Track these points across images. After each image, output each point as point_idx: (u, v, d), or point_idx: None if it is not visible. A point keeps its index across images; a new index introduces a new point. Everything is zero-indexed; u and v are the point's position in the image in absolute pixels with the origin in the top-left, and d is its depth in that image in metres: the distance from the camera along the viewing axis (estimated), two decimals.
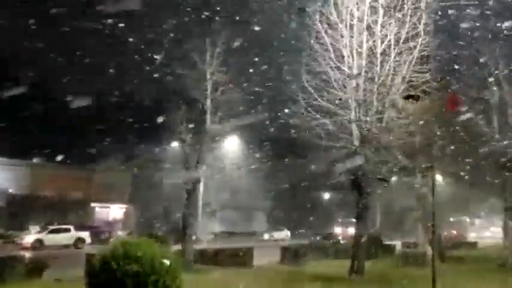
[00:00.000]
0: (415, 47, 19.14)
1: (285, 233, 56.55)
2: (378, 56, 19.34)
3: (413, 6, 19.30)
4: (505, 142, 22.85)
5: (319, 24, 19.76)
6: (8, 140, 41.51)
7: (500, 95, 23.56)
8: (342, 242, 40.74)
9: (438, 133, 19.39)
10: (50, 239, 34.57)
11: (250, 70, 26.02)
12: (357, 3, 19.61)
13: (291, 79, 22.22)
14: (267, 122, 33.71)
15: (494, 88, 23.47)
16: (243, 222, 60.20)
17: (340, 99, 19.48)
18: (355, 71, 19.28)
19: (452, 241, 43.58)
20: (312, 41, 19.89)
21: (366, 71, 19.35)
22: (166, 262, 8.26)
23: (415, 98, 17.43)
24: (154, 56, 26.19)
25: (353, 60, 19.39)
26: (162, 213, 46.88)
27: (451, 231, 55.24)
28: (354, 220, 21.96)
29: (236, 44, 22.87)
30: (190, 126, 22.98)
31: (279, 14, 24.85)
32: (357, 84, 19.30)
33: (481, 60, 23.39)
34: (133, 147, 46.15)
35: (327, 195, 66.63)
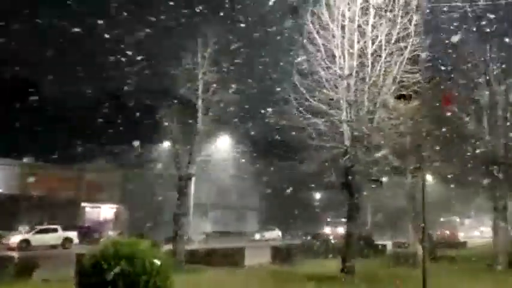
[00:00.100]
0: (405, 47, 19.22)
1: (276, 233, 56.62)
2: (369, 56, 19.40)
3: (404, 6, 19.38)
4: (494, 142, 23.00)
5: (310, 25, 19.84)
6: None
7: (490, 96, 23.67)
8: (333, 241, 40.84)
9: (428, 133, 19.44)
10: (37, 239, 34.24)
11: (242, 70, 26.02)
12: (348, 4, 19.66)
13: (282, 79, 22.24)
14: (258, 122, 33.71)
15: (486, 91, 23.58)
16: (235, 222, 60.22)
17: (331, 99, 19.55)
18: (346, 72, 19.35)
19: (445, 241, 43.97)
20: (304, 41, 19.93)
21: (357, 72, 19.41)
22: (157, 262, 8.23)
23: (407, 97, 17.47)
24: (146, 56, 26.10)
25: (344, 60, 19.46)
26: (153, 213, 46.68)
27: (444, 231, 55.71)
28: (343, 220, 22.01)
29: (228, 44, 22.90)
30: (182, 125, 23.00)
31: (271, 14, 24.84)
32: (348, 85, 19.35)
33: (472, 60, 23.51)
34: (124, 146, 45.89)
35: (318, 195, 66.75)
